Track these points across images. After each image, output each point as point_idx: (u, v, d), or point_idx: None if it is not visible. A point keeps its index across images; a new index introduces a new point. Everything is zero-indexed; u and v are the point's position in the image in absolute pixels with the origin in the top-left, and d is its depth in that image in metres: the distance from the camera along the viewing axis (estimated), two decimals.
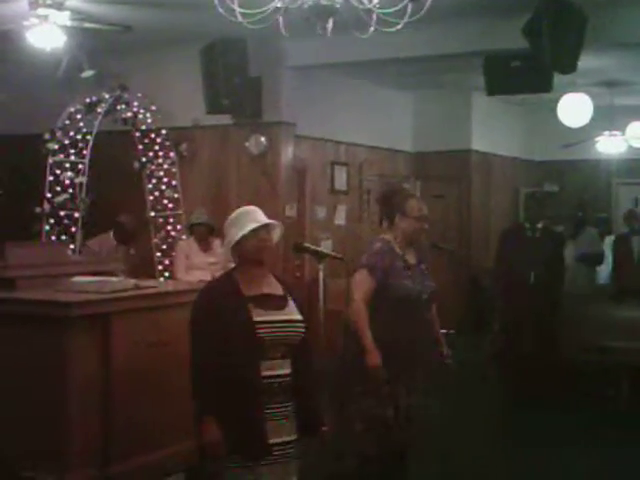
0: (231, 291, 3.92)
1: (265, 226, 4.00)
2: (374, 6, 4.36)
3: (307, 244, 4.28)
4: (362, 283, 4.88)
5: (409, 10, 4.37)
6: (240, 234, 3.92)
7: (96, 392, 4.93)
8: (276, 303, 3.99)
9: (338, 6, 4.35)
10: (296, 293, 4.14)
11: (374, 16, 4.42)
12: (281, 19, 4.42)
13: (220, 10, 4.27)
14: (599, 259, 9.83)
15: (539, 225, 8.27)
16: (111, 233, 8.80)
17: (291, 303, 4.05)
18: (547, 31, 6.91)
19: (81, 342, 4.88)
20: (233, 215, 4.06)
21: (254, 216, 4.02)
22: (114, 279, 5.74)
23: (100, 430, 4.93)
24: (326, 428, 4.05)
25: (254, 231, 3.94)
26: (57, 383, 4.80)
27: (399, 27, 4.38)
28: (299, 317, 4.01)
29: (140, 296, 5.35)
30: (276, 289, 4.05)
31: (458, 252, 5.34)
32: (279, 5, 4.34)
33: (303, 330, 4.01)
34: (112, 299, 5.07)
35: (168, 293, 5.84)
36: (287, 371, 3.95)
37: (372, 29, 4.50)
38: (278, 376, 3.91)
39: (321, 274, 4.03)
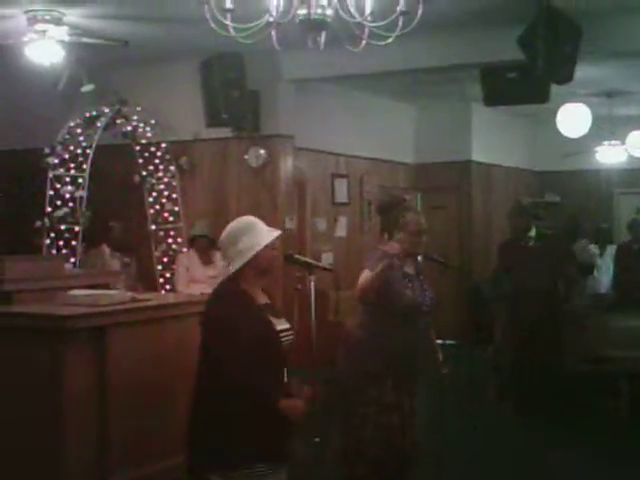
0: (248, 300, 3.89)
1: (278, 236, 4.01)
2: (365, 19, 4.38)
3: (297, 255, 4.30)
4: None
5: (400, 23, 4.39)
6: (264, 243, 3.89)
7: (93, 405, 4.96)
8: (275, 312, 4.02)
9: (329, 20, 4.38)
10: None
11: (366, 29, 4.44)
12: (274, 33, 4.45)
13: (212, 25, 4.29)
14: (587, 270, 9.86)
15: (531, 234, 8.28)
16: (104, 246, 8.88)
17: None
18: (542, 42, 6.93)
19: (77, 355, 4.91)
20: (241, 224, 3.98)
21: (264, 226, 4.00)
22: (111, 292, 5.77)
23: (97, 443, 4.96)
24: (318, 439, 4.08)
25: (273, 241, 3.94)
26: (53, 396, 4.82)
27: (390, 40, 4.40)
28: (289, 326, 4.04)
29: (137, 309, 5.38)
30: (267, 299, 4.07)
31: (452, 264, 5.35)
32: (271, 20, 4.37)
33: (293, 338, 4.04)
34: (108, 312, 5.10)
35: (165, 306, 5.87)
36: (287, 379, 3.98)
37: (364, 42, 4.52)
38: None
39: (312, 285, 4.06)
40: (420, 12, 4.29)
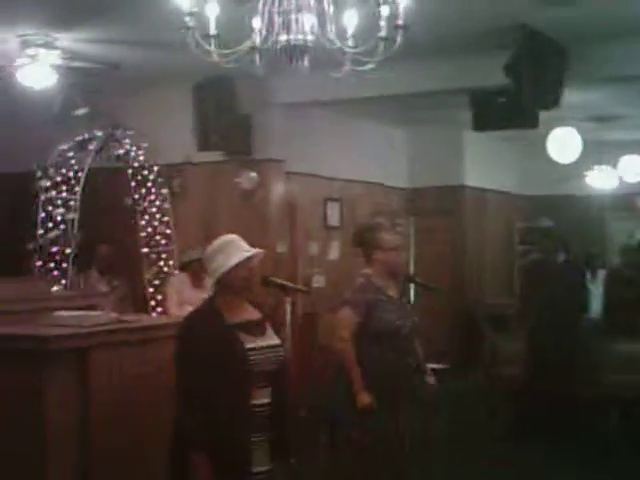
0: (216, 319, 3.89)
1: (252, 256, 3.99)
2: (346, 45, 4.43)
3: (272, 278, 4.34)
4: (346, 320, 5.01)
5: (382, 49, 4.44)
6: (231, 263, 3.89)
7: (76, 426, 4.95)
8: (258, 329, 4.00)
9: (310, 45, 4.43)
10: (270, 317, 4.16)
11: (347, 55, 4.49)
12: (257, 58, 4.50)
13: (195, 51, 4.34)
14: None
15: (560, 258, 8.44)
16: (93, 269, 8.96)
17: (269, 327, 4.07)
18: (527, 68, 7.00)
19: (60, 376, 4.90)
20: (217, 243, 4.02)
21: (240, 245, 4.00)
22: (95, 313, 5.78)
23: (79, 465, 4.94)
24: (294, 460, 4.10)
25: (245, 260, 3.93)
26: (36, 417, 4.81)
27: (371, 66, 4.44)
28: (278, 342, 4.04)
29: (121, 330, 5.38)
30: (254, 314, 4.06)
31: (434, 286, 5.40)
32: (253, 45, 4.41)
33: (282, 354, 4.04)
34: (91, 333, 5.11)
35: (150, 327, 5.85)
36: (268, 400, 3.95)
37: (346, 68, 4.57)
38: (262, 405, 3.92)
39: (288, 307, 4.10)
40: (399, 39, 4.35)
